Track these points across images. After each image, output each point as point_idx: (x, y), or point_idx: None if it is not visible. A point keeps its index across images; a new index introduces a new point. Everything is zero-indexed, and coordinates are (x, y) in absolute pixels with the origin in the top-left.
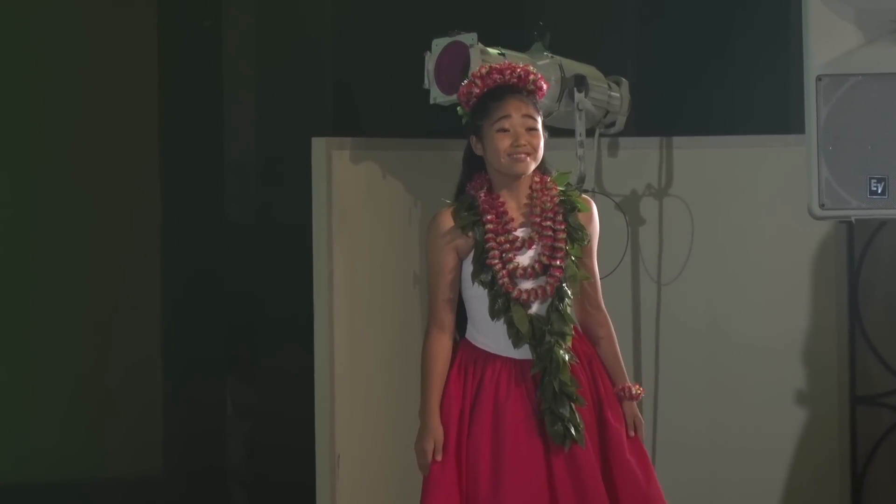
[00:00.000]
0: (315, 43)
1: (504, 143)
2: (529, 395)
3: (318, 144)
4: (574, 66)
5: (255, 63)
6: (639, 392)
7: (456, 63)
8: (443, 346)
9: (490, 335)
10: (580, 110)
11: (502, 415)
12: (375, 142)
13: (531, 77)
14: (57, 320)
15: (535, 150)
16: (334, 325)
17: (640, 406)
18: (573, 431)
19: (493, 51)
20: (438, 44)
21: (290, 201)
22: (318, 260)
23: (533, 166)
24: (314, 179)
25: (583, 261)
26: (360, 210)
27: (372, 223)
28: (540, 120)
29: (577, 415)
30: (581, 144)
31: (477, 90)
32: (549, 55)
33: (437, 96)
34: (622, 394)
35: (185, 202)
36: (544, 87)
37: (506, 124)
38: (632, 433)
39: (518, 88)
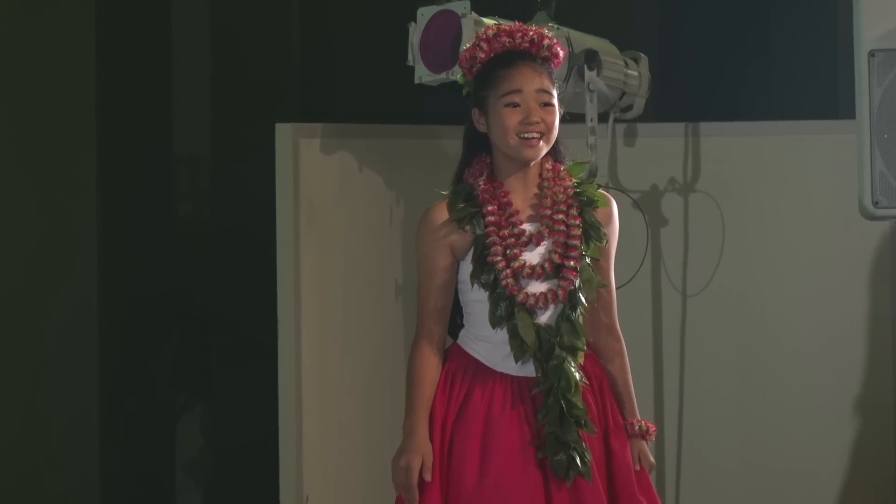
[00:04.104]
0: (280, 12)
1: (513, 119)
2: (528, 418)
3: (284, 131)
4: (585, 40)
5: (210, 36)
6: (652, 431)
7: (445, 36)
8: (430, 360)
9: (488, 345)
10: (591, 91)
11: (493, 439)
12: (350, 128)
13: (545, 42)
14: None
15: (550, 129)
16: (302, 344)
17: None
18: (579, 462)
19: (488, 21)
20: (425, 13)
21: (250, 198)
22: (282, 267)
23: (545, 150)
24: (278, 172)
25: (599, 266)
26: (333, 208)
27: (346, 223)
28: (556, 93)
29: (584, 444)
30: (592, 131)
31: (482, 55)
32: (556, 26)
33: (422, 75)
34: (631, 430)
35: (126, 199)
36: (560, 53)
37: (516, 98)
38: (637, 467)
39: (531, 55)
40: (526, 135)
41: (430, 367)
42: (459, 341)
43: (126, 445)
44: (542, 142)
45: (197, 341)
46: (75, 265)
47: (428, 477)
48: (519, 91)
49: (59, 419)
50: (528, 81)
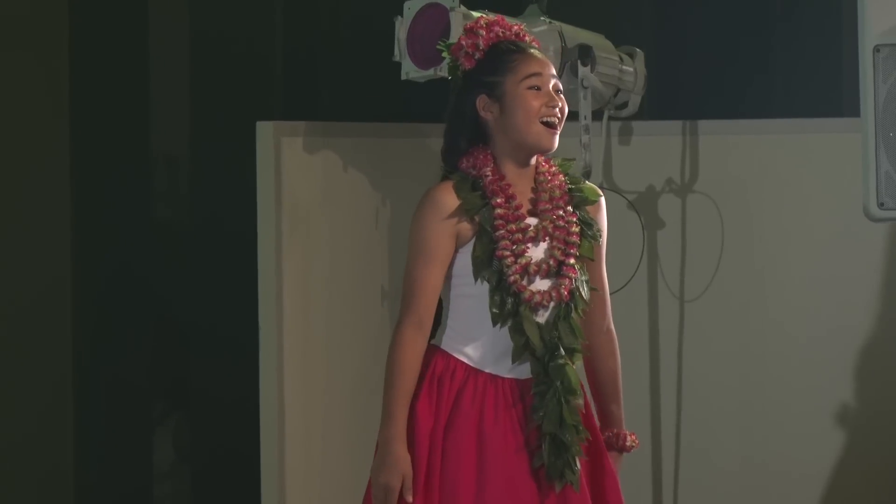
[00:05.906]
0: (262, 6)
1: (536, 102)
2: (520, 424)
3: (265, 130)
4: (578, 35)
5: (189, 31)
6: (633, 444)
7: (433, 31)
8: (419, 349)
9: (476, 345)
10: (585, 88)
11: (489, 446)
12: (334, 127)
13: (527, 37)
14: None
15: (563, 117)
16: (284, 351)
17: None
18: (571, 470)
19: (477, 15)
20: (411, 7)
21: (230, 199)
22: (264, 271)
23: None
24: (259, 172)
25: (591, 264)
26: (317, 209)
27: (330, 225)
28: None
29: (579, 451)
30: (586, 130)
31: (483, 42)
32: (548, 20)
33: (409, 71)
34: (614, 440)
35: (102, 201)
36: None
37: (537, 81)
38: None
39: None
40: (548, 118)
41: (416, 363)
42: (443, 345)
43: (101, 457)
44: (558, 129)
45: (175, 348)
46: (49, 269)
47: (409, 498)
48: (539, 74)
49: (33, 428)
50: (544, 66)
